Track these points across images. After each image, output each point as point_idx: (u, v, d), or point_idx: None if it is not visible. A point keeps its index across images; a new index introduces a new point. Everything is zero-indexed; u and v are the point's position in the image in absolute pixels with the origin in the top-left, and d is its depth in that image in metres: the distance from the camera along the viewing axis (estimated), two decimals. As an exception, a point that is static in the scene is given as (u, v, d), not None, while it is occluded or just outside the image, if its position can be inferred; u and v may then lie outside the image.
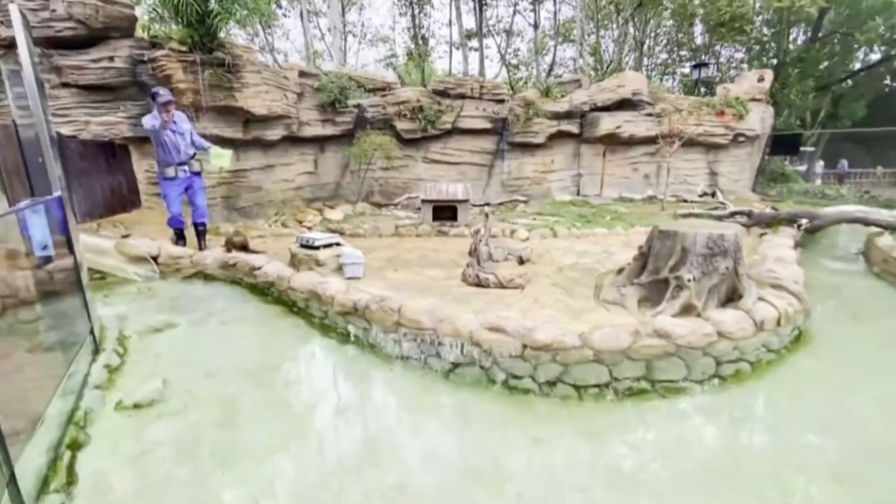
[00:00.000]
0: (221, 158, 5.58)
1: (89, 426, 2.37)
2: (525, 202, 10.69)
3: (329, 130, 9.76)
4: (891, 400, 2.81)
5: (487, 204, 10.27)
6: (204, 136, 5.93)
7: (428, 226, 7.71)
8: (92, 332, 3.07)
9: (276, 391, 2.92)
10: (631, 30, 18.66)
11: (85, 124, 6.71)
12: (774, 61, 16.44)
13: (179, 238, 5.60)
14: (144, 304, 4.21)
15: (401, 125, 10.14)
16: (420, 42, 18.95)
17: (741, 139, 12.35)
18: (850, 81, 18.22)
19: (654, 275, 3.84)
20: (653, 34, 20.29)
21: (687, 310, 3.44)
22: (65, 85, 6.71)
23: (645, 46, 19.92)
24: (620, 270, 4.33)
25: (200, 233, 5.60)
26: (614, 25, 19.16)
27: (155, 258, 5.00)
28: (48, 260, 2.71)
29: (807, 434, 2.51)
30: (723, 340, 3.00)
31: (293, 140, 9.22)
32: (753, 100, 12.46)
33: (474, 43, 18.09)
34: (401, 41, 23.06)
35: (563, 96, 11.37)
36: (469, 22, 17.88)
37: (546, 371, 2.86)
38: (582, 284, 4.43)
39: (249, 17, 7.36)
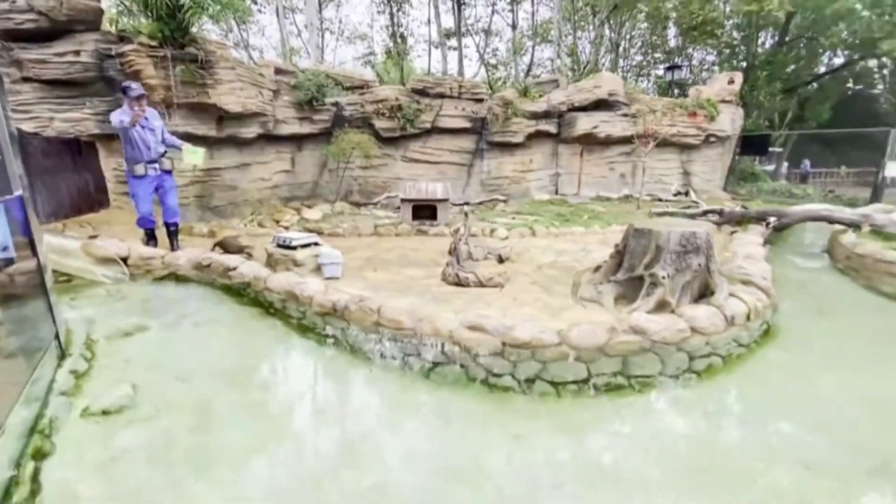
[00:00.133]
0: (194, 156, 5.43)
1: (54, 434, 2.28)
2: (504, 201, 10.76)
3: (306, 129, 9.63)
4: (854, 389, 2.94)
5: (467, 203, 10.29)
6: (175, 134, 5.75)
7: (407, 225, 7.68)
8: (57, 336, 2.94)
9: (251, 393, 2.85)
10: (607, 31, 18.99)
11: (49, 120, 6.46)
12: (744, 64, 16.99)
13: (150, 238, 5.43)
14: (113, 307, 4.06)
15: (379, 124, 10.07)
16: (398, 40, 18.87)
17: (713, 140, 12.72)
18: (815, 84, 19.00)
19: (629, 272, 3.92)
20: (628, 36, 20.75)
21: (661, 306, 3.52)
22: (26, 79, 6.45)
23: (620, 48, 20.34)
24: (597, 268, 4.40)
25: (172, 233, 5.44)
26: (591, 27, 19.47)
27: (124, 259, 4.82)
28: (9, 262, 2.59)
29: (775, 423, 2.60)
30: (696, 336, 3.08)
31: (269, 138, 9.07)
32: (724, 101, 12.84)
33: (453, 42, 18.12)
34: (379, 39, 22.97)
35: (541, 96, 11.48)
36: (448, 21, 17.94)
37: (525, 369, 2.89)
38: (560, 282, 4.49)
39: (223, 12, 7.20)
